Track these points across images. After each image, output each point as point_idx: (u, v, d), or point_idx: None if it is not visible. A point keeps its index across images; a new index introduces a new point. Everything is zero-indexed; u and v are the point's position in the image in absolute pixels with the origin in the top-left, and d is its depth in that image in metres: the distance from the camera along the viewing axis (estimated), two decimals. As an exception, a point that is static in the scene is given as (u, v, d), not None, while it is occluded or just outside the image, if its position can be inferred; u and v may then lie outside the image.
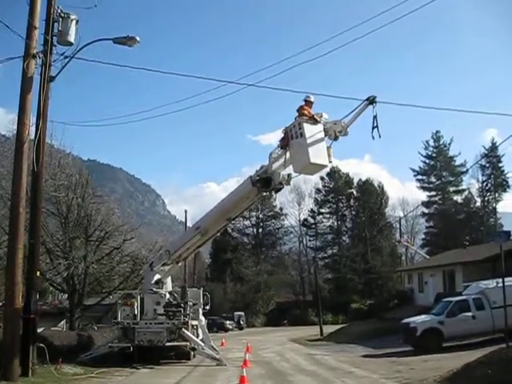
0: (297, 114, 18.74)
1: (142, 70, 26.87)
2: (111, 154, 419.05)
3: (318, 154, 17.87)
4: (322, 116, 18.64)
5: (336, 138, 18.68)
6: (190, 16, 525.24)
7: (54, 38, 14.73)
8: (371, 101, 17.70)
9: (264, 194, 20.87)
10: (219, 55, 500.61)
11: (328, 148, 18.59)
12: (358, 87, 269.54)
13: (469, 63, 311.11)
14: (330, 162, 18.92)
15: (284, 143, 18.86)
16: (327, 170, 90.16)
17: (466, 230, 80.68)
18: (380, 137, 17.51)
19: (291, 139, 18.32)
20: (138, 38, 15.69)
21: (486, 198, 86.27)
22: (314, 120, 18.31)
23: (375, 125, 17.54)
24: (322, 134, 18.31)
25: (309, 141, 17.69)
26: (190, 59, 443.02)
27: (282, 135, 18.92)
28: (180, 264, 25.68)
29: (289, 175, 19.65)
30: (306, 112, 18.43)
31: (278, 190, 20.47)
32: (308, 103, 18.84)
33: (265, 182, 19.52)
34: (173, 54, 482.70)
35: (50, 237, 30.34)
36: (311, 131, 17.92)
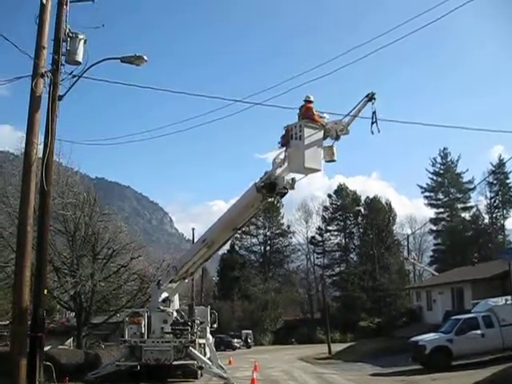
0: (298, 112, 19.20)
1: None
2: (119, 171, 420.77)
3: (312, 159, 18.58)
4: (324, 118, 19.16)
5: (337, 138, 19.28)
6: (192, 35, 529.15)
7: (63, 57, 14.84)
8: (370, 97, 18.35)
9: (269, 199, 20.91)
10: (224, 73, 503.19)
11: (331, 147, 19.27)
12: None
13: (476, 79, 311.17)
14: (334, 160, 19.42)
15: (285, 141, 19.25)
16: (334, 187, 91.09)
17: (474, 246, 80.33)
18: (379, 131, 18.09)
19: (291, 139, 18.87)
20: (145, 57, 15.80)
21: (494, 215, 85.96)
22: (316, 122, 18.83)
23: (374, 120, 18.10)
24: (321, 140, 18.89)
25: (306, 145, 18.35)
26: (193, 76, 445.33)
27: (284, 132, 19.31)
28: (187, 280, 25.63)
29: (293, 179, 19.94)
30: (310, 113, 18.91)
31: (282, 195, 20.58)
32: (308, 103, 19.25)
33: (269, 188, 19.73)
34: (177, 71, 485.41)
35: (58, 255, 30.39)
36: (310, 135, 18.53)
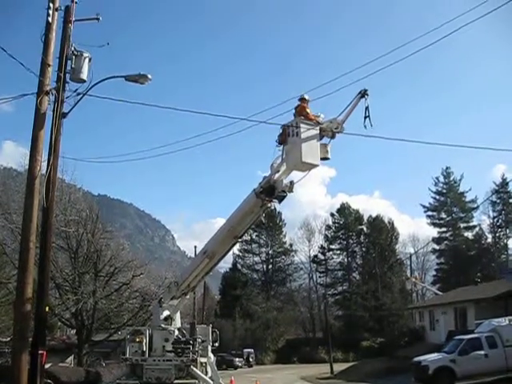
0: (294, 112, 19.52)
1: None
2: (121, 189, 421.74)
3: (309, 154, 18.90)
4: (319, 116, 19.54)
5: (333, 136, 19.59)
6: (192, 51, 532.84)
7: (67, 75, 14.95)
8: (363, 94, 18.74)
9: (268, 205, 20.98)
10: (226, 90, 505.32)
11: (326, 145, 19.60)
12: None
13: (478, 97, 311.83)
14: (328, 158, 19.73)
15: (282, 139, 19.59)
16: (337, 206, 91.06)
17: (477, 266, 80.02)
18: (372, 126, 18.42)
19: (288, 136, 19.24)
20: (149, 76, 15.89)
21: (497, 234, 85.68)
22: (311, 120, 19.25)
23: (367, 115, 18.48)
24: (317, 135, 19.24)
25: (303, 141, 18.73)
26: (198, 92, 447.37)
27: (281, 131, 19.61)
28: (188, 296, 25.43)
29: (291, 182, 19.93)
30: (304, 112, 19.33)
31: (281, 199, 20.49)
32: (304, 101, 19.63)
33: (268, 191, 19.88)
34: (180, 87, 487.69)
35: (60, 272, 30.40)
36: (307, 132, 18.94)
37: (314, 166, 19.57)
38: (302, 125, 18.93)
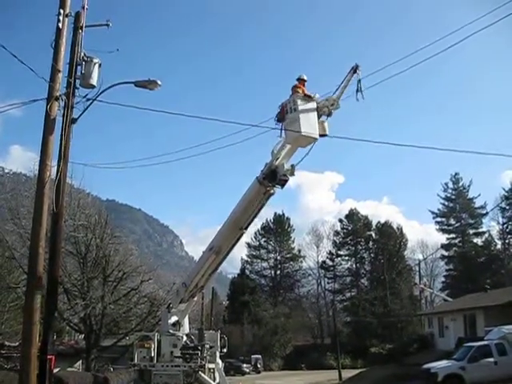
0: (291, 93, 19.97)
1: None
2: (130, 194, 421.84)
3: (309, 127, 19.26)
4: (315, 95, 20.00)
5: (330, 114, 20.02)
6: (205, 57, 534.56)
7: (77, 80, 15.00)
8: (355, 69, 19.24)
9: (271, 191, 21.18)
10: (235, 97, 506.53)
11: (323, 122, 19.97)
12: (372, 127, 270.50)
13: (488, 103, 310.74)
14: (326, 135, 20.03)
15: (280, 117, 19.98)
16: (345, 212, 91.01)
17: (486, 273, 79.58)
18: (363, 98, 18.92)
19: (286, 113, 19.66)
20: (159, 82, 15.91)
21: (507, 241, 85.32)
22: (307, 97, 19.77)
23: (359, 88, 18.98)
24: (315, 110, 19.73)
25: (301, 115, 19.20)
26: (209, 98, 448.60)
27: (279, 110, 20.00)
28: (196, 298, 25.39)
29: (292, 166, 20.40)
30: (299, 90, 19.90)
31: (283, 183, 20.81)
32: (301, 81, 20.25)
33: (271, 176, 20.33)
34: (187, 93, 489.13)
35: (68, 277, 30.44)
36: (304, 107, 19.47)
37: (314, 139, 19.82)
38: (299, 101, 19.45)
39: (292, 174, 20.53)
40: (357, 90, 19.03)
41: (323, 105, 19.97)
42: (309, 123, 19.37)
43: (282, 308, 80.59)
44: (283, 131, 20.06)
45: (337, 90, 19.85)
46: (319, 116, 19.99)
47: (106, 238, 32.30)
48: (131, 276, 33.19)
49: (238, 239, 23.27)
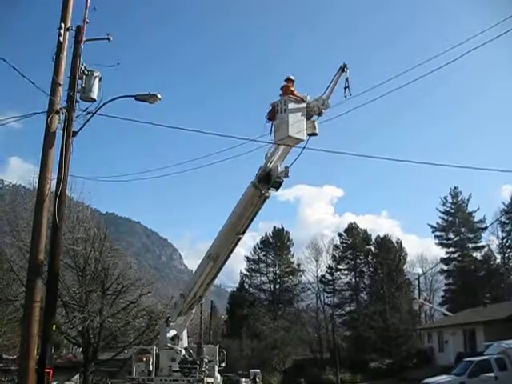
0: (281, 92, 20.53)
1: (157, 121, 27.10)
2: (129, 207, 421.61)
3: (296, 128, 19.76)
4: (306, 96, 20.55)
5: (320, 113, 20.62)
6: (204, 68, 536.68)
7: (78, 94, 15.04)
8: (343, 68, 19.99)
9: (266, 194, 21.41)
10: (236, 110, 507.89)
11: (314, 121, 20.59)
12: (376, 143, 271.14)
13: (486, 118, 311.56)
14: (316, 134, 20.57)
15: (271, 116, 20.47)
16: (345, 225, 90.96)
17: (486, 287, 79.32)
18: (351, 94, 19.57)
19: (277, 113, 20.21)
20: (159, 96, 15.97)
21: (507, 255, 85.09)
22: (298, 98, 20.30)
23: (347, 85, 19.72)
24: (304, 109, 20.27)
25: (290, 116, 19.76)
26: (208, 109, 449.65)
27: (270, 108, 20.55)
28: (194, 310, 25.34)
29: (286, 168, 20.72)
30: (289, 91, 20.40)
31: (278, 186, 21.15)
32: (289, 81, 20.74)
33: (265, 179, 20.78)
34: (185, 106, 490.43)
35: (67, 290, 30.37)
36: (294, 108, 20.02)
37: (300, 140, 20.21)
38: (289, 103, 19.96)
39: (286, 175, 20.87)
40: (345, 88, 19.73)
41: (314, 105, 20.51)
42: (297, 124, 19.85)
43: (281, 322, 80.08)
44: (273, 126, 20.41)
45: (326, 89, 20.45)
46: (310, 116, 20.51)
47: (104, 251, 32.28)
48: (130, 289, 33.10)
49: (235, 245, 23.34)
